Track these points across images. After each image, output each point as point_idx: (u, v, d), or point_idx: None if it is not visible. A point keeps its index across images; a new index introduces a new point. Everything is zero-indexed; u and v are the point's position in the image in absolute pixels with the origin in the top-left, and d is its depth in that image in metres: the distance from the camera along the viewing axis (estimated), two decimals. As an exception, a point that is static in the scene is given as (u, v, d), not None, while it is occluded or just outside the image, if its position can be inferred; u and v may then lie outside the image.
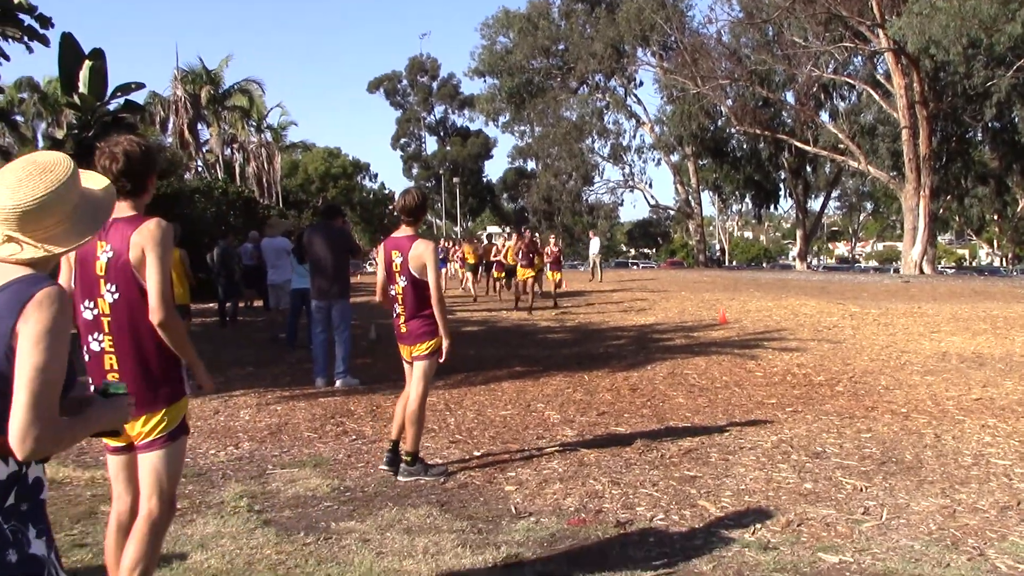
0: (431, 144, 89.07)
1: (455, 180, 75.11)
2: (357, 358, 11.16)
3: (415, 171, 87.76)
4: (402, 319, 5.87)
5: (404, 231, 5.91)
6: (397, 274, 5.82)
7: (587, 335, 14.65)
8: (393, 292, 5.90)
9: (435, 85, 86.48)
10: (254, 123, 47.09)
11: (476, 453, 6.61)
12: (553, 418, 7.86)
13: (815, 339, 13.51)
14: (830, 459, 6.29)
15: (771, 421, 7.62)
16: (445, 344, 5.85)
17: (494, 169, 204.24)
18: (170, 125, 40.89)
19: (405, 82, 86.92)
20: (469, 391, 9.15)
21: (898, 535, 4.71)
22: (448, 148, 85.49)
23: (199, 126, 43.19)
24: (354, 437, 7.17)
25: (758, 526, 4.86)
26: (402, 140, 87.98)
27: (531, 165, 70.92)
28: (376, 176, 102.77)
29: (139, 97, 27.91)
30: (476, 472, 6.06)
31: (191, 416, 7.86)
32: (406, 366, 6.06)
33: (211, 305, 17.80)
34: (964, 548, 4.52)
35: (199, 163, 43.08)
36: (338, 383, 9.54)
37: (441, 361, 5.94)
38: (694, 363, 11.05)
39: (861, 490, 5.52)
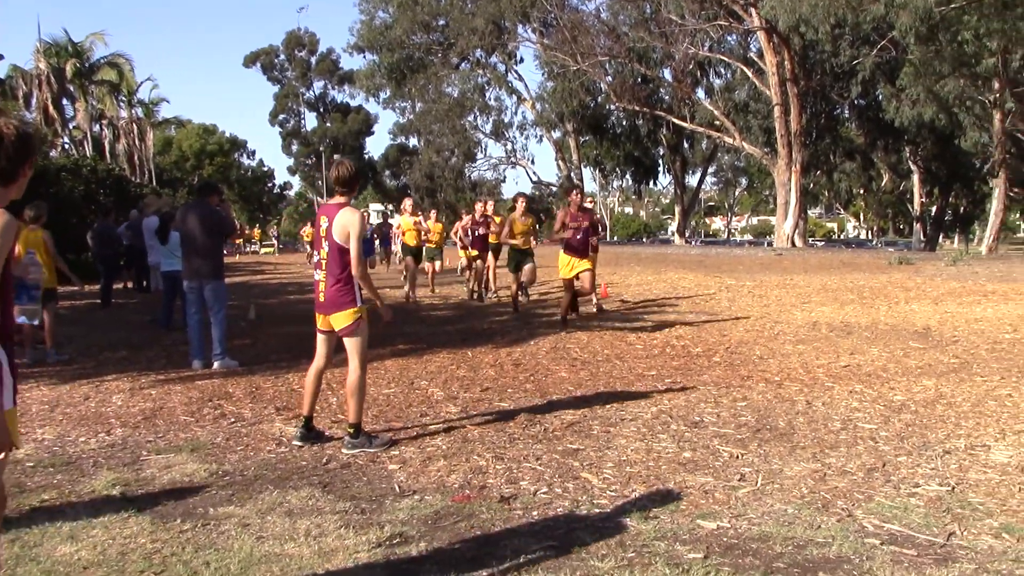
0: (311, 120, 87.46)
1: (336, 157, 73.92)
2: (236, 339, 10.91)
3: (295, 148, 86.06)
4: (321, 286, 5.93)
5: (336, 199, 5.97)
6: (323, 239, 5.88)
7: (471, 312, 14.66)
8: (317, 258, 5.99)
9: (314, 60, 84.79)
10: (124, 98, 45.38)
11: (359, 432, 6.53)
12: (437, 395, 7.83)
13: (693, 311, 13.84)
14: (708, 428, 6.44)
15: (651, 392, 7.76)
16: (383, 308, 6.19)
17: (376, 146, 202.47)
18: (33, 100, 39.07)
19: (282, 57, 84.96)
20: (351, 370, 9.02)
21: (772, 500, 4.86)
22: (328, 124, 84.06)
23: (64, 101, 41.35)
24: (232, 420, 6.98)
25: (639, 496, 4.94)
26: (280, 116, 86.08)
27: (413, 142, 70.33)
28: (254, 153, 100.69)
29: (-2, 70, 26.52)
30: (359, 451, 5.98)
31: (58, 403, 7.60)
32: (319, 336, 6.12)
33: (85, 288, 17.11)
34: (834, 510, 4.69)
35: (65, 140, 41.29)
36: (215, 365, 9.30)
37: (385, 323, 6.37)
38: (576, 337, 11.18)
39: (737, 457, 5.67)
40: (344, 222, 5.78)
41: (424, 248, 17.71)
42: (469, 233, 16.34)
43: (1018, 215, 64.63)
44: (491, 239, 16.24)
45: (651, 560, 4.02)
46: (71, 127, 42.45)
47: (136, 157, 42.21)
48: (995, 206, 37.99)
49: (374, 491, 5.13)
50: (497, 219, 16.70)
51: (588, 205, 13.19)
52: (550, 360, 9.60)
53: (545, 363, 9.43)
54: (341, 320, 5.91)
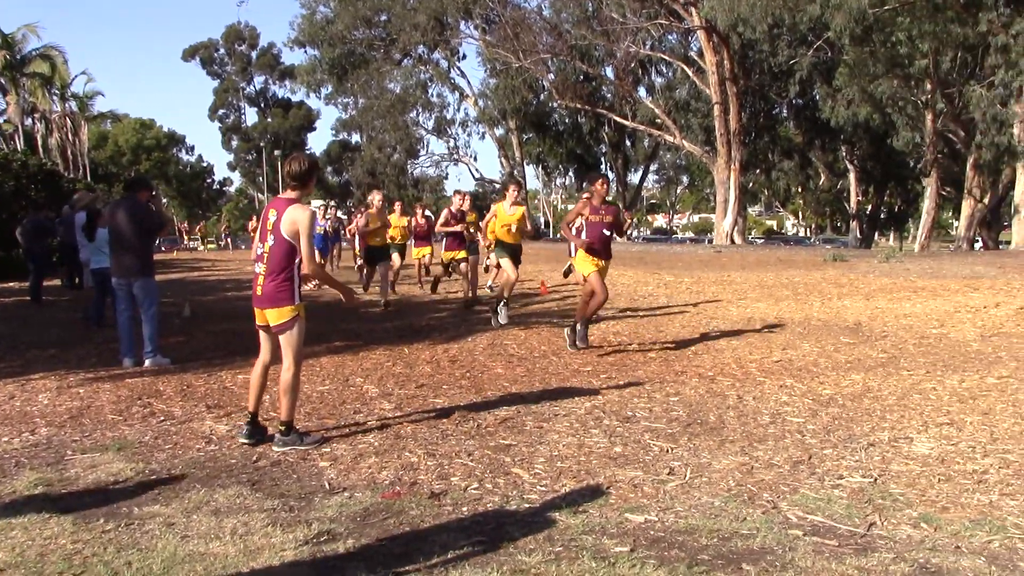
0: (251, 115, 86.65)
1: (276, 153, 73.14)
2: (170, 336, 10.75)
3: (235, 143, 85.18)
4: (260, 280, 5.85)
5: (288, 194, 5.89)
6: (268, 232, 5.78)
7: (410, 308, 14.60)
8: (260, 251, 5.87)
9: (254, 54, 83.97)
10: (57, 92, 44.41)
11: (291, 430, 6.46)
12: (371, 392, 7.79)
13: (631, 307, 13.94)
14: (640, 423, 6.50)
15: (586, 388, 7.81)
16: (344, 297, 6.29)
17: (318, 142, 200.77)
18: (-40, 93, 38.10)
19: (222, 51, 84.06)
20: (286, 367, 8.92)
21: (700, 493, 4.92)
22: (269, 120, 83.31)
23: (-6, 94, 40.38)
24: (162, 418, 6.88)
25: (569, 491, 4.97)
26: (220, 111, 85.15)
27: (356, 138, 69.88)
28: (193, 148, 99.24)
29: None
30: (290, 448, 5.93)
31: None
32: (261, 333, 6.04)
33: (13, 284, 16.75)
34: (759, 502, 4.77)
35: (-6, 134, 40.31)
36: (147, 363, 9.14)
37: (349, 304, 6.44)
38: (514, 334, 11.20)
39: (667, 451, 5.73)
40: (293, 218, 5.68)
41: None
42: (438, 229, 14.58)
43: (950, 213, 66.13)
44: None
45: (578, 554, 4.04)
46: (1, 121, 41.43)
47: (70, 152, 41.32)
48: (927, 204, 38.86)
49: (304, 488, 5.09)
50: (472, 216, 15.12)
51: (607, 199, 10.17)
52: (487, 356, 9.60)
53: (482, 359, 9.44)
54: (276, 316, 5.84)
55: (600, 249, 9.74)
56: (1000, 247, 37.62)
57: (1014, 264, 20.06)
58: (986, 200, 37.57)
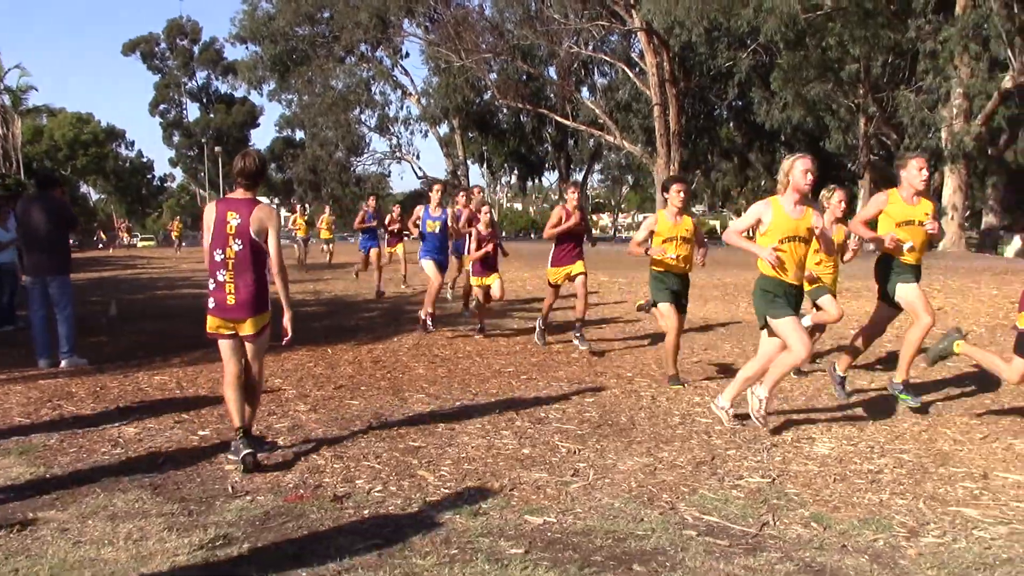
0: (193, 111, 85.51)
1: (218, 149, 72.23)
2: (92, 336, 10.60)
3: (176, 139, 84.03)
4: (229, 288, 5.44)
5: (241, 194, 5.53)
6: (231, 237, 5.41)
7: (341, 308, 14.55)
8: (221, 257, 5.44)
9: (196, 49, 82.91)
10: (-12, 85, 43.45)
11: (200, 433, 6.41)
12: (288, 393, 7.75)
13: (561, 308, 13.99)
14: (551, 424, 6.55)
15: (504, 389, 7.86)
16: (287, 317, 5.59)
17: (262, 138, 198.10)
18: None
19: (163, 45, 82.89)
20: (205, 368, 8.83)
21: (601, 494, 4.98)
22: (211, 116, 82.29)
23: (-78, 88, 39.39)
24: (71, 421, 6.78)
25: (472, 493, 5.00)
26: (161, 106, 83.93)
27: (300, 135, 69.18)
28: (133, 144, 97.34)
29: None
30: (197, 452, 5.88)
31: None
32: (224, 343, 5.59)
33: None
34: (658, 503, 4.84)
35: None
36: (63, 363, 8.99)
37: (286, 342, 5.69)
38: (441, 334, 11.21)
39: (575, 453, 5.80)
40: (262, 217, 5.43)
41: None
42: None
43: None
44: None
45: (472, 556, 4.07)
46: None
47: (1, 147, 40.39)
48: (861, 206, 39.56)
49: (206, 492, 5.05)
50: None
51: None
52: (410, 357, 9.60)
53: (405, 360, 9.44)
54: (254, 325, 5.51)
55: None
56: (930, 248, 38.33)
57: (938, 266, 20.50)
58: (917, 202, 38.22)
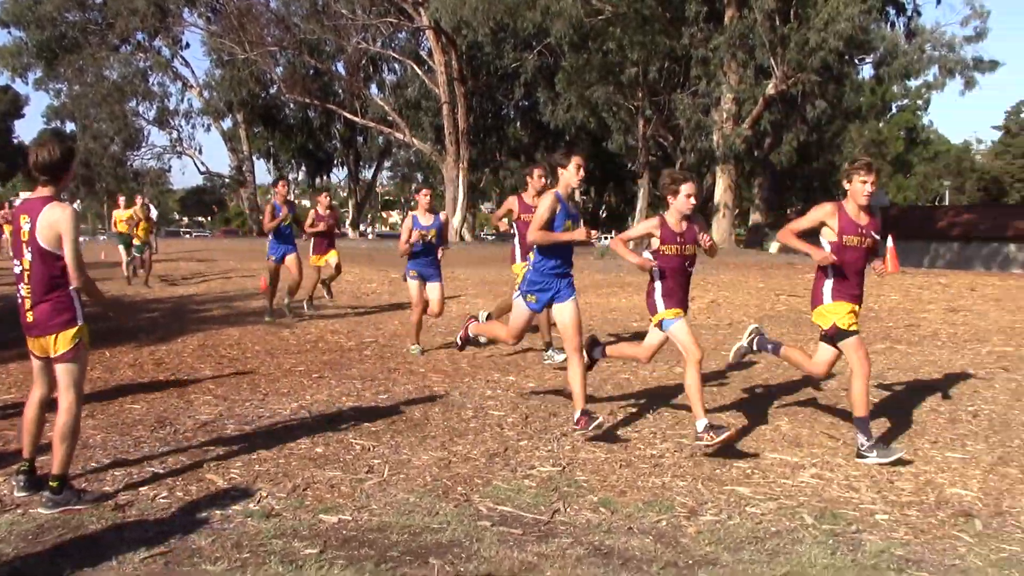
0: (-54, 98, 78.64)
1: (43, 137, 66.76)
2: None
3: (-74, 129, 77.10)
4: (28, 304, 4.70)
5: (40, 192, 4.70)
6: (25, 245, 4.64)
7: (121, 308, 13.80)
8: (19, 269, 4.71)
9: (-51, 31, 76.38)
10: None
11: (-38, 445, 5.93)
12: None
13: (352, 305, 13.92)
14: (345, 422, 6.49)
15: (295, 388, 7.70)
16: (119, 313, 4.94)
17: (27, 129, 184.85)
18: None
19: (-90, 25, 75.75)
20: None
21: (396, 489, 4.98)
22: (-31, 104, 76.01)
23: None
24: None
25: (264, 494, 4.88)
26: (-92, 93, 76.75)
27: (71, 126, 64.99)
28: None
29: None
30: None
31: None
32: (35, 363, 4.89)
33: None
34: (453, 496, 4.90)
35: None
36: None
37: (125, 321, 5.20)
38: (228, 333, 10.87)
39: (369, 450, 5.77)
40: (52, 221, 4.57)
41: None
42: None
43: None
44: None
45: (266, 559, 3.99)
46: None
47: None
48: (641, 204, 41.30)
49: (-30, 507, 4.68)
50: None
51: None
52: (195, 359, 9.24)
53: (190, 361, 9.08)
54: (60, 344, 4.69)
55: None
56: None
57: (711, 262, 21.69)
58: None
